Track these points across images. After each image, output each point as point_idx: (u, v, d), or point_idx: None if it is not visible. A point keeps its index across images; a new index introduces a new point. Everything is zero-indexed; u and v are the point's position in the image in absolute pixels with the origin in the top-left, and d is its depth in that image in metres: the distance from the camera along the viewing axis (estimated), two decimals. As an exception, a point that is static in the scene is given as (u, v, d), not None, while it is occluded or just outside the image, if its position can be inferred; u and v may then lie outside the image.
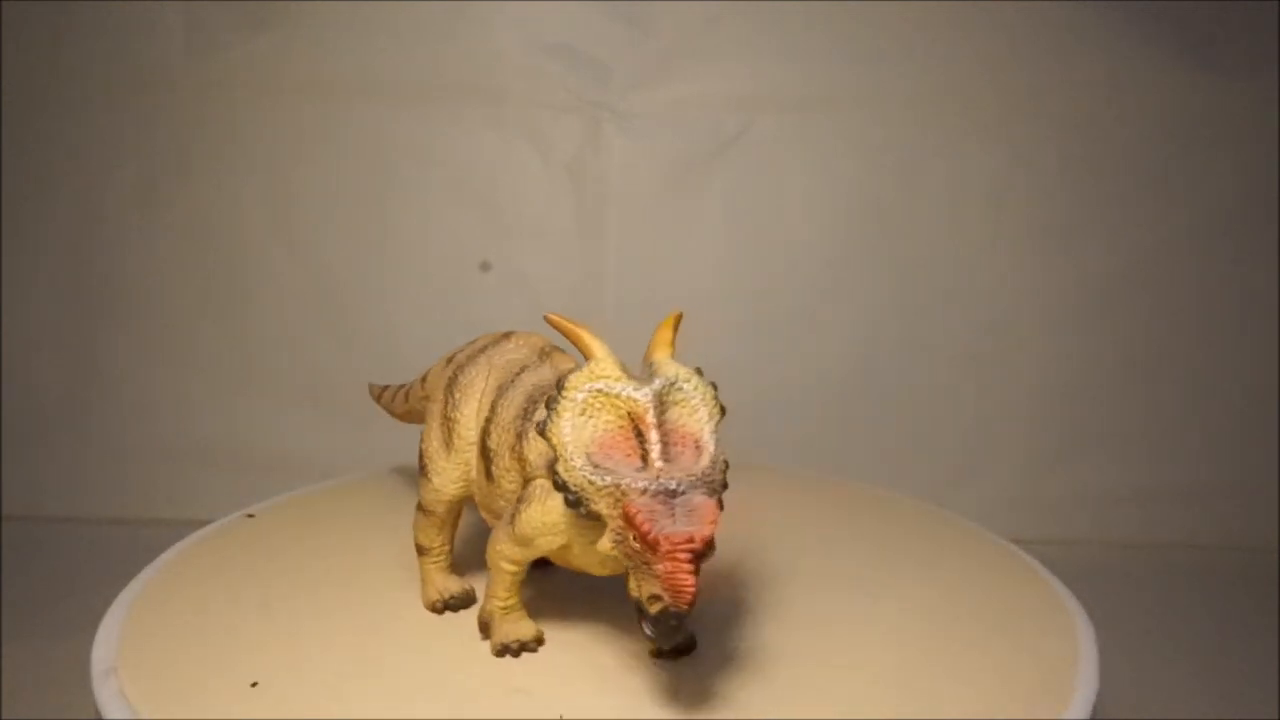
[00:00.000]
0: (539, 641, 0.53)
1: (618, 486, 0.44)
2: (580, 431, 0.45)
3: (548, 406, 0.46)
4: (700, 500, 0.43)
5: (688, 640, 0.52)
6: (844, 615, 0.58)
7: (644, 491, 0.43)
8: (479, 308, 1.13)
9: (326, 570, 0.63)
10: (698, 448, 0.46)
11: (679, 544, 0.41)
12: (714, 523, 0.42)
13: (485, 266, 1.14)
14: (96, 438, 1.15)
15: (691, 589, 0.41)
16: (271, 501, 0.76)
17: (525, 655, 0.52)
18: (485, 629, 0.54)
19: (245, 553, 0.66)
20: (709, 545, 0.42)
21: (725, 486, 0.46)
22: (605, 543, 0.45)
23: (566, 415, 0.46)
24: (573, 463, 0.45)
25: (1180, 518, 1.12)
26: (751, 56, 1.11)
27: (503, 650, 0.52)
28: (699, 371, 0.48)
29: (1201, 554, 1.08)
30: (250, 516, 0.73)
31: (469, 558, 0.61)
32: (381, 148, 1.13)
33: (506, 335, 0.59)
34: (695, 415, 0.47)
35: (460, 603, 0.58)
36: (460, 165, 1.13)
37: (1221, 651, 0.87)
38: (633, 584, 0.43)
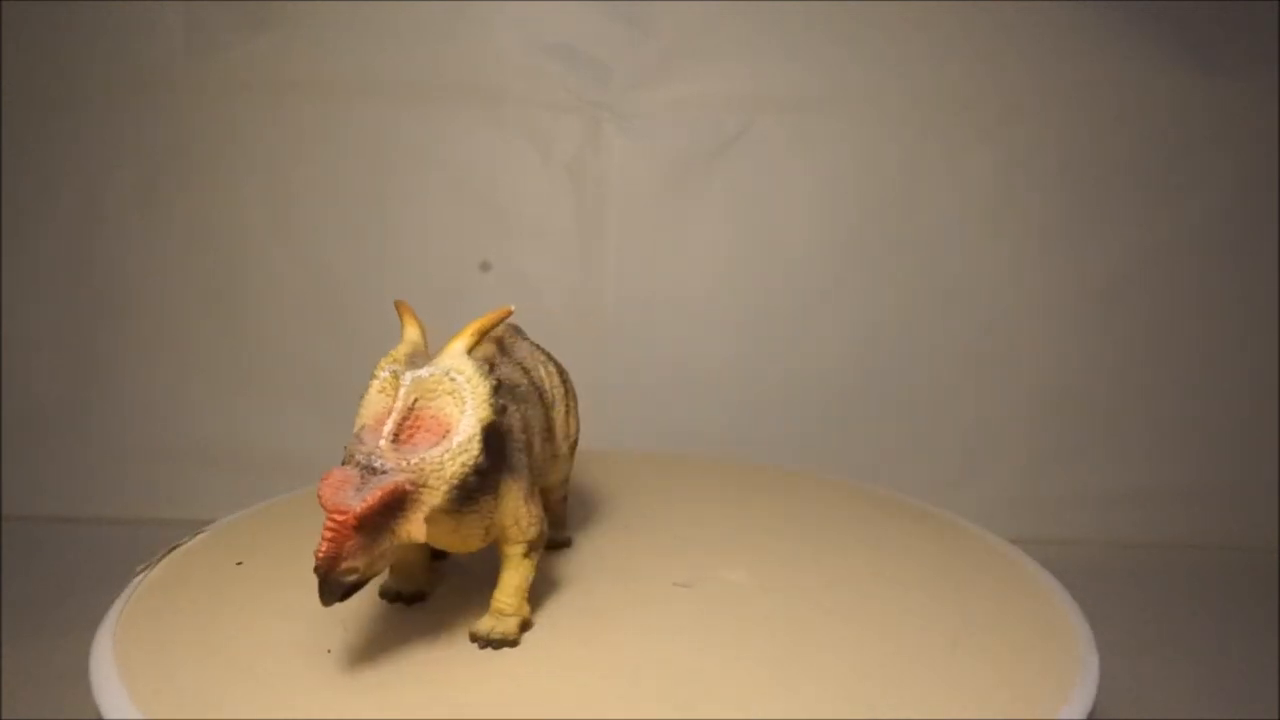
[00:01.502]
0: (417, 598, 0.57)
1: (350, 456, 0.47)
2: (369, 406, 0.49)
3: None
4: (386, 483, 0.45)
5: (506, 635, 0.53)
6: (842, 614, 0.58)
7: (358, 464, 0.46)
8: (479, 308, 1.13)
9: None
10: (444, 436, 0.47)
11: (329, 510, 0.44)
12: (369, 502, 0.44)
13: (485, 266, 1.14)
14: (96, 438, 1.15)
15: (321, 553, 0.44)
16: (271, 501, 0.76)
17: (398, 605, 0.56)
18: (391, 574, 0.58)
19: (245, 553, 0.66)
20: (370, 523, 0.44)
21: (462, 481, 0.47)
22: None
23: (371, 392, 0.49)
24: (353, 433, 0.48)
25: (1180, 518, 1.12)
26: (751, 56, 1.11)
27: (383, 594, 0.57)
28: (486, 368, 0.49)
29: (1201, 554, 1.08)
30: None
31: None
32: (381, 148, 1.13)
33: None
34: (459, 407, 0.48)
35: None
36: (460, 165, 1.13)
37: (1221, 651, 0.87)
38: None
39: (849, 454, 1.13)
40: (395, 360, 0.50)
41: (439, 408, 0.48)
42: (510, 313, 0.53)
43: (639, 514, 0.73)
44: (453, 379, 0.48)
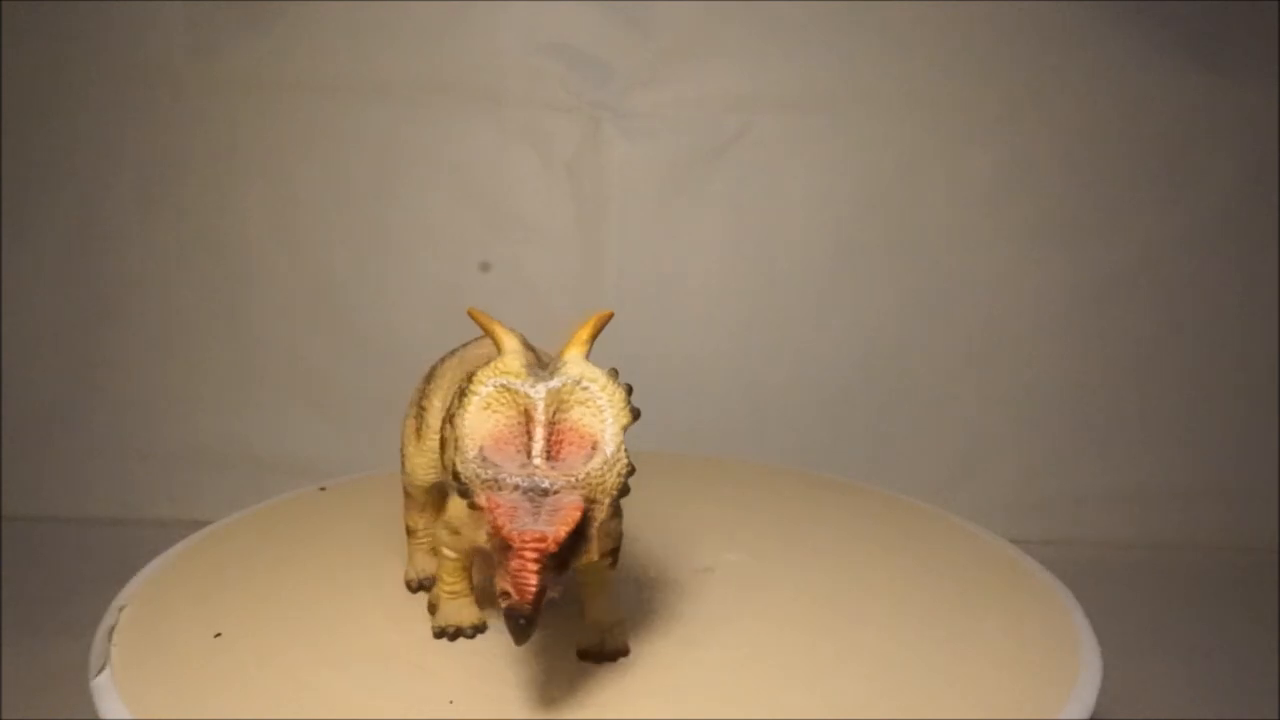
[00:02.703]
0: (478, 629, 0.54)
1: (495, 480, 0.43)
2: (480, 425, 0.45)
3: (459, 399, 0.46)
4: (567, 502, 0.43)
5: (619, 646, 0.52)
6: (842, 615, 0.58)
7: (516, 488, 0.43)
8: (479, 307, 1.13)
9: (326, 570, 0.63)
10: (593, 448, 0.45)
11: (528, 542, 0.41)
12: (569, 525, 0.42)
13: (485, 267, 1.14)
14: (96, 438, 1.15)
15: (532, 588, 0.41)
16: (271, 501, 0.76)
17: (461, 640, 0.53)
18: (432, 610, 0.55)
19: (244, 553, 0.66)
20: (564, 547, 0.42)
21: (624, 491, 0.45)
22: (481, 535, 0.45)
23: (471, 408, 0.46)
24: (467, 455, 0.45)
25: (1180, 518, 1.12)
26: (751, 56, 1.11)
27: (440, 633, 0.54)
28: (614, 373, 0.47)
29: (1201, 554, 1.08)
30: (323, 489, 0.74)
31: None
32: (382, 148, 1.13)
33: None
34: (599, 416, 0.46)
35: (433, 583, 0.59)
36: (460, 165, 1.13)
37: (1221, 651, 0.87)
38: (496, 578, 0.43)
39: (849, 454, 1.13)
40: (505, 373, 0.46)
41: (575, 419, 0.45)
42: (611, 316, 0.50)
43: (641, 515, 0.73)
44: (585, 388, 0.46)
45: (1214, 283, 1.12)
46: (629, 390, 0.46)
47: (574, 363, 0.47)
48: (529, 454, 0.44)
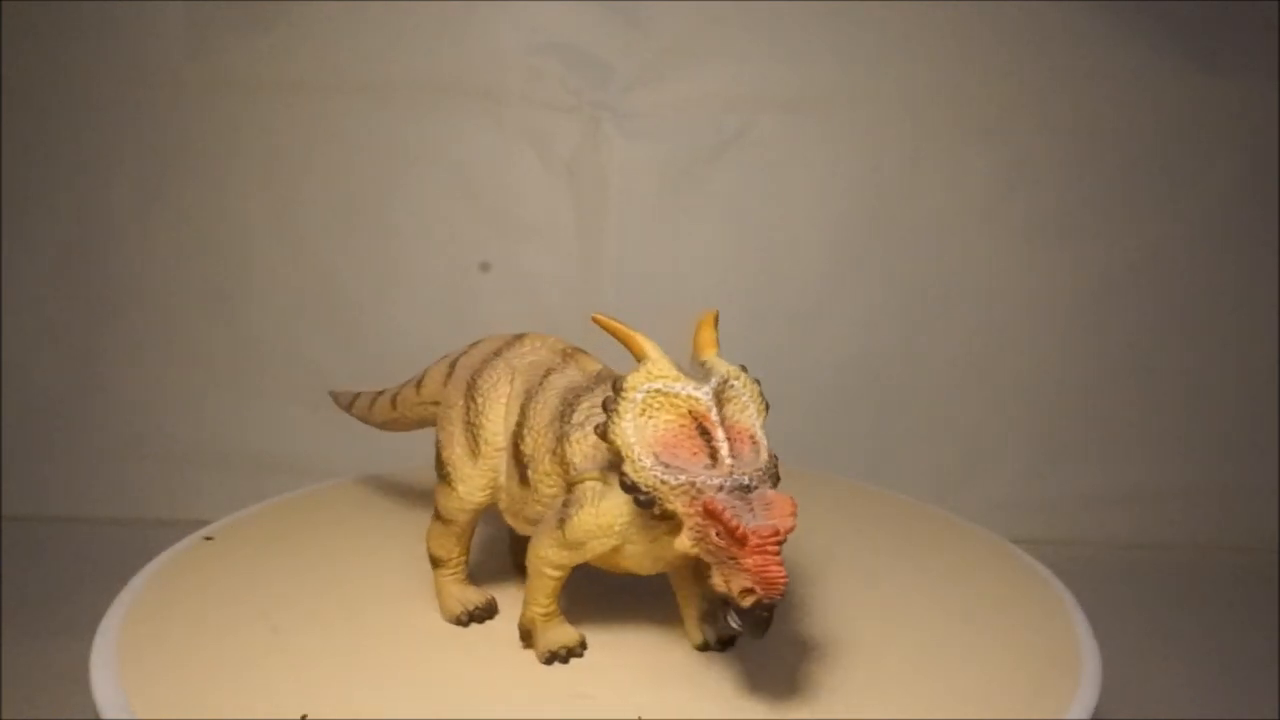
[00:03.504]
0: (583, 646, 0.53)
1: (693, 484, 0.44)
2: (642, 432, 0.46)
3: (605, 408, 0.46)
4: (774, 494, 0.44)
5: (733, 635, 0.52)
6: (842, 616, 0.58)
7: (720, 488, 0.44)
8: (479, 308, 1.13)
9: (328, 571, 0.63)
10: (754, 443, 0.47)
11: (767, 537, 0.42)
12: (794, 514, 0.43)
13: (485, 267, 1.14)
14: (96, 438, 1.15)
15: (784, 579, 0.42)
16: (270, 502, 0.76)
17: (574, 660, 0.52)
18: (527, 637, 0.53)
19: (245, 553, 0.66)
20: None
21: (778, 480, 0.47)
22: (684, 540, 0.45)
23: (627, 416, 0.46)
24: (641, 463, 0.45)
25: (1180, 518, 1.12)
26: (751, 56, 1.10)
27: (551, 658, 0.52)
28: (744, 369, 0.49)
29: (1201, 554, 1.08)
30: (209, 539, 0.69)
31: (477, 566, 0.61)
32: (381, 147, 1.13)
33: (519, 337, 0.58)
34: (746, 412, 0.47)
35: (484, 613, 0.57)
36: (460, 165, 1.13)
37: (1221, 651, 0.87)
38: (718, 579, 0.44)
39: (849, 454, 1.13)
40: (660, 377, 0.47)
41: (729, 415, 0.47)
42: (717, 314, 0.52)
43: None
44: (731, 385, 0.48)
45: (1214, 283, 1.12)
46: (758, 383, 0.48)
47: (718, 363, 0.49)
48: (712, 455, 0.45)
